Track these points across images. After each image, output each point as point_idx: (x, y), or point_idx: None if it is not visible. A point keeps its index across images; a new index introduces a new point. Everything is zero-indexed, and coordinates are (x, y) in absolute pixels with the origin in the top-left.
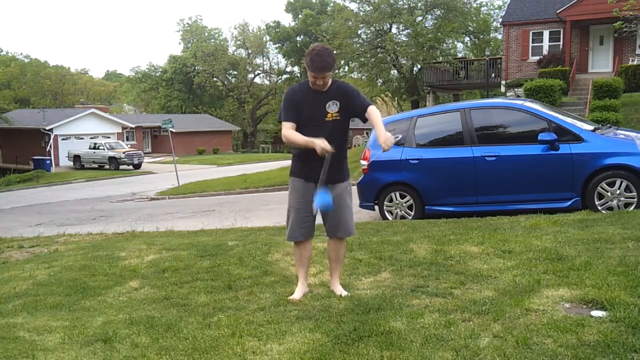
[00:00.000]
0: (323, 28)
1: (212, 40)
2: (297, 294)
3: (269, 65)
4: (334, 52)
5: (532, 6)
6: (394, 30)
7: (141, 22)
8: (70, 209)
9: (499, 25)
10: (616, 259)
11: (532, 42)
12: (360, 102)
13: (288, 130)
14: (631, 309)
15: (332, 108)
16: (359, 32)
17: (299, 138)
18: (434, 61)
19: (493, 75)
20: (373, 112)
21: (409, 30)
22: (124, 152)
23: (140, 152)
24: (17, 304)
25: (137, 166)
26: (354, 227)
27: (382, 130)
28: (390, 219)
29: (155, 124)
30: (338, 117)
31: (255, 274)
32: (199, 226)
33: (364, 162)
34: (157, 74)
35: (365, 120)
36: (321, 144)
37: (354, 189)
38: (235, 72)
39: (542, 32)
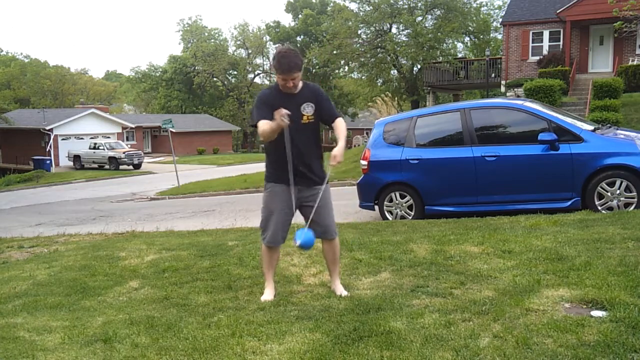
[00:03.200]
0: (323, 28)
1: (212, 40)
2: (269, 295)
3: (269, 65)
4: (334, 51)
5: (532, 6)
6: (394, 30)
7: (141, 22)
8: (70, 209)
9: (499, 25)
10: (616, 259)
11: (532, 42)
12: (330, 109)
13: (262, 125)
14: (631, 309)
15: (308, 110)
16: (359, 32)
17: (268, 126)
18: (434, 61)
19: (493, 75)
20: (340, 124)
21: (409, 30)
22: (123, 152)
23: (140, 152)
24: (17, 304)
25: (137, 166)
26: (336, 229)
27: (341, 145)
28: (390, 219)
29: (155, 124)
30: (313, 119)
31: (255, 274)
32: (199, 226)
33: (364, 162)
34: (157, 74)
35: (331, 126)
36: (277, 114)
37: (354, 189)
38: (235, 72)
39: (542, 32)
